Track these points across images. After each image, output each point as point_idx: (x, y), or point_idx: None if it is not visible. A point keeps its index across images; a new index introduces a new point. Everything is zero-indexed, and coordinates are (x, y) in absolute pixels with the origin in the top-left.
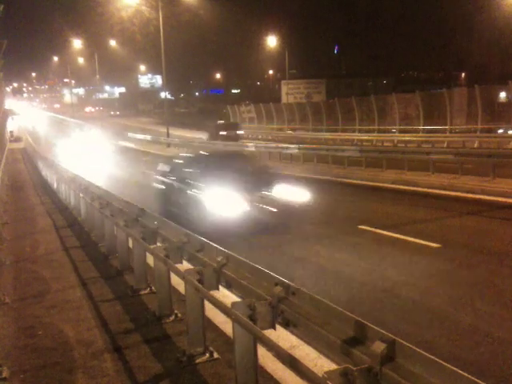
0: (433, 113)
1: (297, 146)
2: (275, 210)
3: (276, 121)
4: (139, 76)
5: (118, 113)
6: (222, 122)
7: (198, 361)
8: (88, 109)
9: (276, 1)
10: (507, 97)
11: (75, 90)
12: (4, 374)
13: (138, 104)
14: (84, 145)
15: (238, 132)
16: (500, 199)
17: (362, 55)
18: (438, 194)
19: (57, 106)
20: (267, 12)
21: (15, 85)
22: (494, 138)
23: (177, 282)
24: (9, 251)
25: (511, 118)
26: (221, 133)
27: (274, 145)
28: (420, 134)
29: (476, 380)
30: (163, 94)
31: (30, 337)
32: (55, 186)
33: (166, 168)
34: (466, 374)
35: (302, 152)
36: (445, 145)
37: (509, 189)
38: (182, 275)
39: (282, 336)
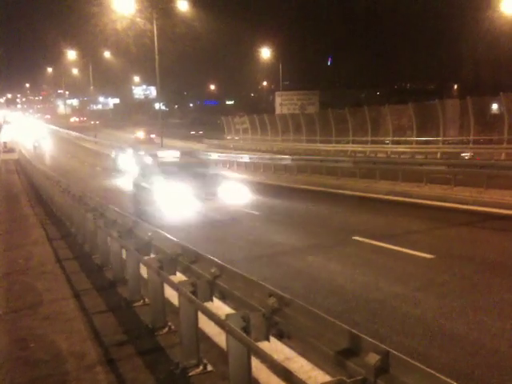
0: (426, 124)
1: (290, 157)
2: None
3: (270, 132)
4: (133, 87)
5: (97, 122)
6: (145, 128)
7: (191, 373)
8: (73, 119)
9: (270, 13)
10: (499, 108)
11: (69, 101)
12: None
13: (132, 115)
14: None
15: (151, 136)
16: (492, 210)
17: (355, 67)
18: (431, 205)
19: (47, 116)
20: (261, 24)
21: (9, 96)
22: (486, 150)
23: (170, 294)
24: (1, 263)
25: (503, 129)
26: (139, 135)
27: (268, 156)
28: (413, 145)
29: None
30: (157, 105)
31: (23, 349)
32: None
33: None
34: None
35: (296, 163)
36: (438, 156)
37: (501, 200)
38: (175, 287)
39: (276, 348)
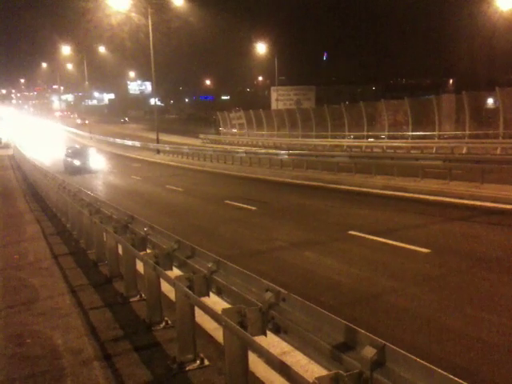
0: (421, 119)
1: (287, 152)
2: None
3: (266, 127)
4: (128, 82)
5: (75, 115)
6: (81, 115)
7: (188, 368)
8: (57, 113)
9: (266, 8)
10: (494, 103)
11: (64, 97)
12: None
13: (127, 110)
14: None
15: (86, 122)
16: (488, 204)
17: (351, 62)
18: (426, 200)
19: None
20: (257, 19)
21: (3, 91)
22: (482, 144)
23: (167, 289)
24: None
25: (498, 123)
26: (78, 121)
27: (263, 151)
28: (409, 140)
29: None
30: (153, 101)
31: (19, 345)
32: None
33: None
34: (456, 379)
35: (292, 158)
36: (433, 151)
37: (496, 194)
38: (172, 282)
39: (272, 342)
